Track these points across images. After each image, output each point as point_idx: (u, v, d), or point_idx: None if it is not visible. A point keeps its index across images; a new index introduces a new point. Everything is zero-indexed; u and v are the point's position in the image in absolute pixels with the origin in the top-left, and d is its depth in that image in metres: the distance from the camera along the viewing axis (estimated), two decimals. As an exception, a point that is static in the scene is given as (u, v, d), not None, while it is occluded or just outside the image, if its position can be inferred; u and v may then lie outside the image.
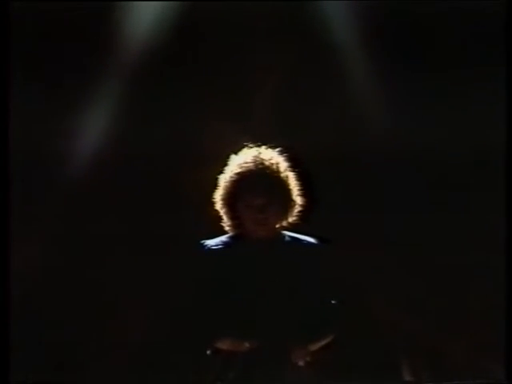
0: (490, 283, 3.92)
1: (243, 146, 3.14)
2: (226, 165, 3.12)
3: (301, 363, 2.98)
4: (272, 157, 3.09)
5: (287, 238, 3.10)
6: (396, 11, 4.02)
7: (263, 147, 3.12)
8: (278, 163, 3.07)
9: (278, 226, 3.07)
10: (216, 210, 3.11)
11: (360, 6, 4.04)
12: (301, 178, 3.11)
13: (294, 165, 3.11)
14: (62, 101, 4.12)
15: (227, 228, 3.11)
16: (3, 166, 3.76)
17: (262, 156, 3.08)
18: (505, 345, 3.72)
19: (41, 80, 4.09)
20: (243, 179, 3.05)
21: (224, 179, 3.09)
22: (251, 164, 3.06)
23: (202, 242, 3.10)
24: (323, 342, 3.06)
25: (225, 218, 3.10)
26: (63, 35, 4.10)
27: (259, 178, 3.03)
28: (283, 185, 3.06)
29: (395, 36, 4.05)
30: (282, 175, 3.06)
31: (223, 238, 3.11)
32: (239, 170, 3.06)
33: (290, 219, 3.08)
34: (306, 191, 3.11)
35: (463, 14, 4.04)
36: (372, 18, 4.03)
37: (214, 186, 3.11)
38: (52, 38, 4.10)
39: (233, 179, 3.06)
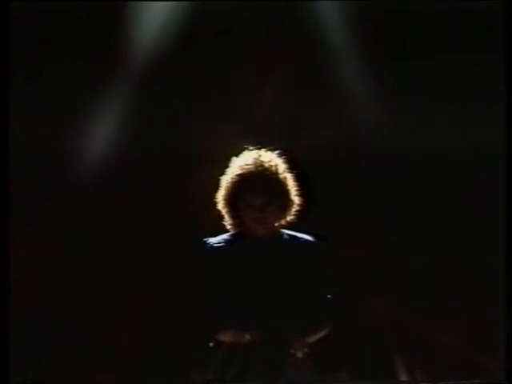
0: (490, 283, 4.00)
1: (244, 149, 3.29)
2: (227, 167, 3.26)
3: (299, 354, 3.13)
4: (271, 159, 3.23)
5: (285, 236, 3.25)
6: (394, 11, 4.08)
7: (263, 150, 3.26)
8: (276, 165, 3.22)
9: (276, 224, 3.22)
10: (218, 210, 3.26)
11: (359, 6, 4.10)
12: (298, 179, 3.25)
13: (292, 166, 3.25)
14: (62, 102, 4.20)
15: (229, 226, 3.26)
16: (3, 166, 3.81)
17: (261, 158, 3.22)
18: (505, 345, 3.77)
19: (41, 80, 4.17)
20: (244, 180, 3.20)
21: (226, 180, 3.23)
22: (251, 166, 3.21)
23: (206, 239, 3.24)
24: (320, 335, 3.21)
25: (227, 217, 3.24)
26: (64, 35, 4.16)
27: (259, 179, 3.18)
28: (282, 185, 3.20)
29: (393, 36, 4.13)
30: (281, 176, 3.20)
31: (225, 235, 3.26)
32: (240, 172, 3.21)
33: (288, 218, 3.23)
34: (303, 191, 3.24)
35: (463, 14, 4.09)
36: (370, 18, 4.11)
37: (217, 186, 3.25)
38: (52, 38, 4.15)
39: (234, 180, 3.21)
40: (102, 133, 3.97)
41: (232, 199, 3.21)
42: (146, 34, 4.11)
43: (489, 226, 4.02)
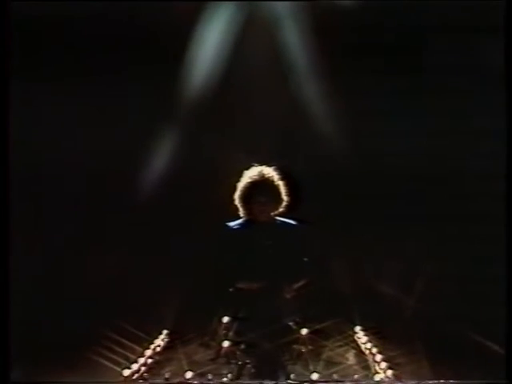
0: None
1: (252, 165, 4.81)
2: (241, 177, 4.78)
3: (288, 296, 4.69)
4: (269, 172, 4.77)
5: (278, 221, 4.80)
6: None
7: (264, 166, 4.80)
8: (273, 176, 4.76)
9: (273, 214, 4.77)
10: (235, 204, 4.79)
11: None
12: (288, 185, 4.77)
13: (284, 177, 4.78)
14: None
15: (242, 215, 4.80)
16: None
17: (263, 171, 4.77)
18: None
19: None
20: (252, 185, 4.74)
21: (240, 186, 4.78)
22: (257, 176, 4.75)
23: (227, 223, 4.80)
24: (300, 284, 4.74)
25: (240, 209, 4.79)
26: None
27: (262, 185, 4.73)
28: (276, 189, 4.75)
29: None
30: (276, 183, 4.75)
31: (239, 221, 4.81)
32: (250, 180, 4.76)
33: (281, 210, 4.78)
34: (290, 193, 4.78)
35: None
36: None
37: (234, 190, 4.79)
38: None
39: (246, 186, 4.76)
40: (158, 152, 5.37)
41: (244, 198, 4.77)
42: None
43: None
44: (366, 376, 4.86)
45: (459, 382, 3.94)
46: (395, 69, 5.22)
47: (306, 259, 4.77)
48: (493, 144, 4.98)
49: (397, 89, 5.20)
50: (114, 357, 5.11)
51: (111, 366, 5.05)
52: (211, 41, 5.43)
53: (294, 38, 5.43)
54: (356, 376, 4.85)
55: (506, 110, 4.53)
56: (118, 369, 5.01)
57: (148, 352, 5.37)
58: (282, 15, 5.42)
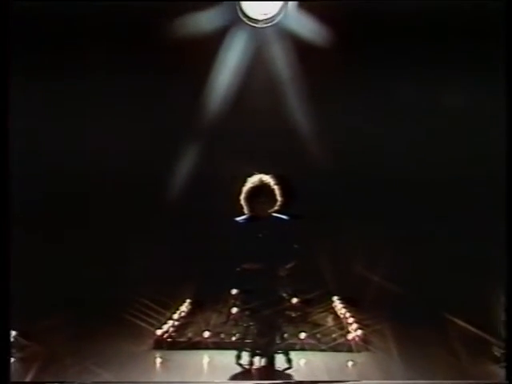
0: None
1: (253, 173, 6.10)
2: (245, 182, 6.06)
3: (281, 274, 5.96)
4: (267, 178, 6.06)
5: (274, 217, 6.06)
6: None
7: (263, 174, 6.08)
8: (270, 181, 6.05)
9: (270, 211, 6.07)
10: (241, 204, 6.08)
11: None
12: (282, 188, 6.05)
13: (279, 182, 6.06)
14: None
15: (246, 212, 6.09)
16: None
17: (262, 178, 6.06)
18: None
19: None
20: (253, 189, 6.04)
21: (245, 189, 6.08)
22: (257, 181, 6.05)
23: (235, 218, 6.12)
24: (291, 265, 6.01)
25: (245, 207, 6.08)
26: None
27: (261, 188, 6.01)
28: (272, 191, 6.03)
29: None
30: (272, 187, 6.04)
31: (244, 216, 6.10)
32: (251, 185, 6.05)
33: (276, 208, 6.07)
34: (284, 194, 6.05)
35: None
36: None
37: (240, 192, 6.07)
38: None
39: (249, 189, 6.06)
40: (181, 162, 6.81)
41: (248, 198, 6.06)
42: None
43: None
44: (341, 335, 6.25)
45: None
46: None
47: (295, 246, 5.99)
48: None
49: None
50: (149, 319, 6.48)
51: (147, 326, 6.47)
52: (229, 65, 6.66)
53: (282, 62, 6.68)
54: (334, 335, 6.24)
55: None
56: (152, 329, 6.42)
57: (175, 316, 6.82)
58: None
